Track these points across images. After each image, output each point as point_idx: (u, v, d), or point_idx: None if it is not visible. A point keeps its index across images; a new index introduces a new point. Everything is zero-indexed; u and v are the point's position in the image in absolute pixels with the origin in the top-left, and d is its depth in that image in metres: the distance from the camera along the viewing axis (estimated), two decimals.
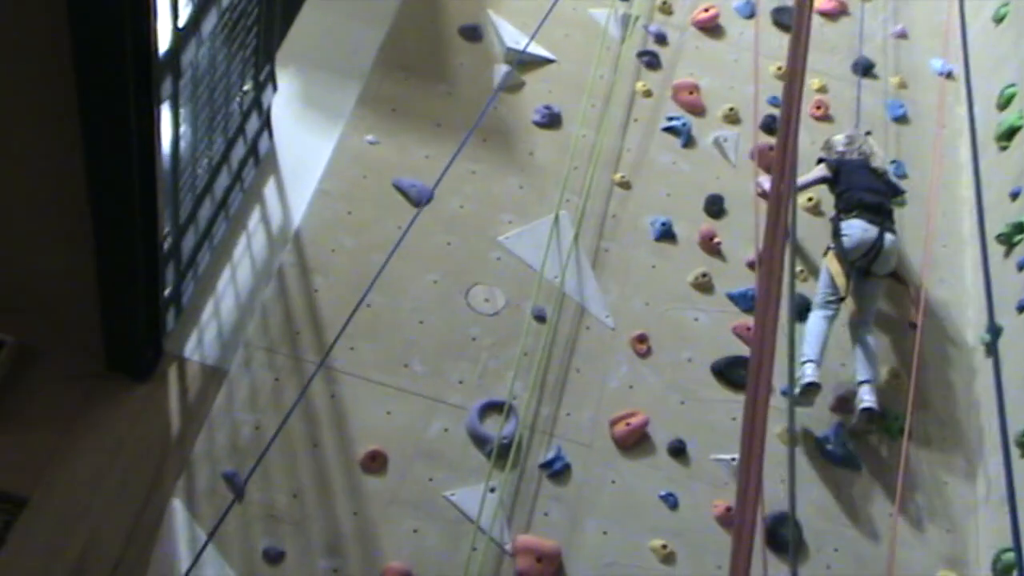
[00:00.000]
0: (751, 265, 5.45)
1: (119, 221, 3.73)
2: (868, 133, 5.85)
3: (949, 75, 6.67)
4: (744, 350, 5.15)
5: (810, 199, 5.71)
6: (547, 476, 4.57)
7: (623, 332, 5.07)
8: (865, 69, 6.53)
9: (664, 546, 4.46)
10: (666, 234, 5.45)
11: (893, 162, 6.11)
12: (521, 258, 5.18)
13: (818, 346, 5.00)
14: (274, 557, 4.10)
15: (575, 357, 4.94)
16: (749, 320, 5.23)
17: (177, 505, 4.15)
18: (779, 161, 3.35)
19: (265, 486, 4.24)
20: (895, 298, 5.54)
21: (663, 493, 4.63)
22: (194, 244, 4.61)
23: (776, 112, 6.10)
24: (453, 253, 5.13)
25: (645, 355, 5.02)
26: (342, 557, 4.17)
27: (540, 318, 4.99)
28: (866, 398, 4.92)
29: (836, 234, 5.23)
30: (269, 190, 5.24)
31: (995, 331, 5.21)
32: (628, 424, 4.73)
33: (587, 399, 4.82)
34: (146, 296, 4.14)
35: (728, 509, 4.61)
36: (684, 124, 5.92)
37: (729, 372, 5.04)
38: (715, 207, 5.63)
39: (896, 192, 5.62)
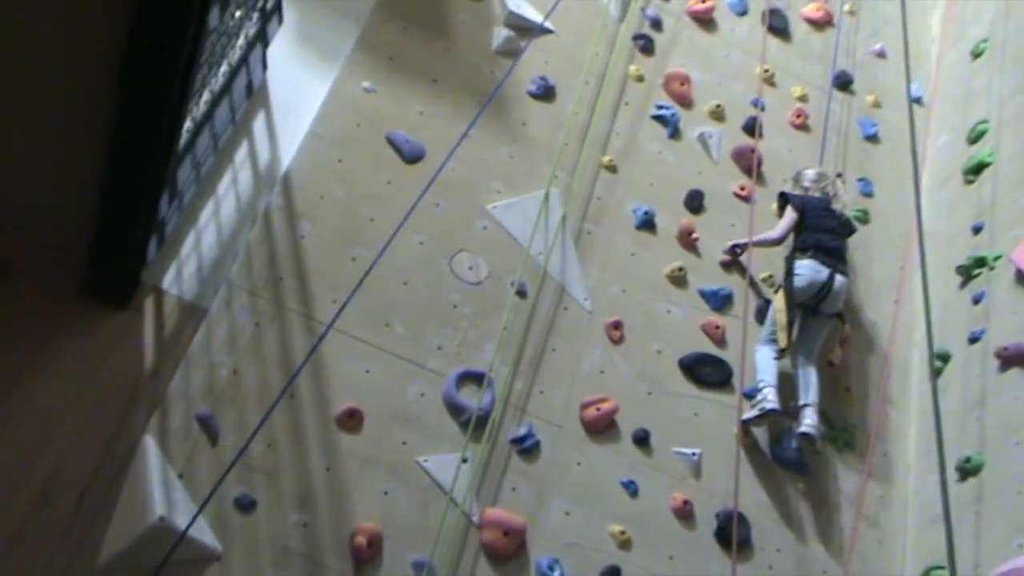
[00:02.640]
0: (724, 265, 5.56)
1: (145, 135, 3.55)
2: (839, 175, 5.93)
3: (918, 101, 6.85)
4: (711, 348, 5.27)
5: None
6: (517, 452, 4.61)
7: (599, 316, 5.12)
8: (844, 84, 6.66)
9: (623, 532, 4.57)
10: (647, 223, 5.51)
11: (860, 179, 6.28)
12: (507, 230, 5.17)
13: (773, 374, 5.07)
14: (246, 505, 4.05)
15: (552, 336, 4.97)
16: (718, 318, 5.37)
17: (149, 442, 4.05)
18: None
19: (240, 432, 4.16)
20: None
21: (625, 480, 4.73)
22: (188, 173, 4.46)
23: (759, 114, 6.21)
24: (441, 216, 5.09)
25: (618, 341, 5.09)
26: (312, 512, 4.15)
27: (521, 293, 5.00)
28: (805, 422, 4.98)
29: (788, 273, 5.29)
30: (258, 125, 5.08)
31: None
32: (599, 409, 4.80)
33: (560, 379, 4.87)
34: (146, 219, 3.98)
35: (685, 503, 4.75)
36: (673, 115, 5.96)
37: (696, 369, 5.15)
38: (695, 203, 5.70)
39: (851, 232, 5.61)
